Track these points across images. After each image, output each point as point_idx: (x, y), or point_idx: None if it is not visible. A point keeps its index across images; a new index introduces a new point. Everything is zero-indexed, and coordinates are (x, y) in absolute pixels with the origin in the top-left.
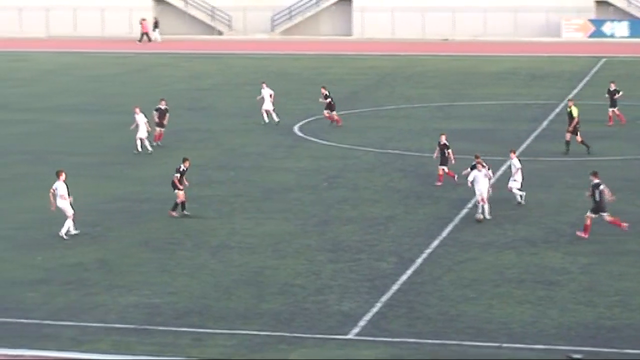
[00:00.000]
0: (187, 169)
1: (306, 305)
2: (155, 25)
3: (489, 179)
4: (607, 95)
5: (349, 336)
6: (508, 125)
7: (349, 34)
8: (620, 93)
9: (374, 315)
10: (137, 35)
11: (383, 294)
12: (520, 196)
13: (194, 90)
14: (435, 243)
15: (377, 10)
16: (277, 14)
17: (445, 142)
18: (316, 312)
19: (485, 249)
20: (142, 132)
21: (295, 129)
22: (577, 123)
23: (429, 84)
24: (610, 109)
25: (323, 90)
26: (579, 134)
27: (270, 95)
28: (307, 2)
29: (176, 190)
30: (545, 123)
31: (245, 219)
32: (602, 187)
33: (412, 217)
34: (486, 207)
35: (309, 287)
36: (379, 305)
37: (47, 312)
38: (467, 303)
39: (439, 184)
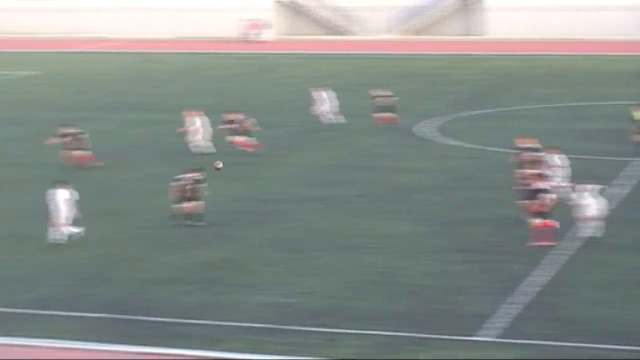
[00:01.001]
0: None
1: (436, 306)
2: (259, 26)
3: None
4: None
5: (479, 338)
6: None
7: (476, 34)
8: None
9: (504, 317)
10: (264, 37)
11: (512, 295)
12: None
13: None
14: (572, 244)
15: (503, 10)
16: (405, 13)
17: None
18: (446, 313)
19: (620, 250)
20: (200, 136)
21: (422, 129)
22: None
23: (556, 83)
24: None
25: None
26: None
27: (328, 98)
28: (433, 2)
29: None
30: None
31: (373, 219)
32: None
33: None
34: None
35: (439, 288)
36: (509, 306)
37: (178, 310)
38: (600, 305)
39: None
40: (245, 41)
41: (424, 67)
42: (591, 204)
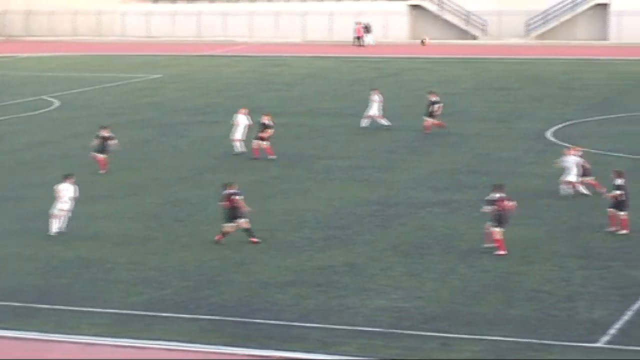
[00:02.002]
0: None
1: (555, 312)
2: (367, 29)
3: None
4: None
5: (599, 344)
6: None
7: (605, 39)
8: None
9: (624, 324)
10: (392, 40)
11: (634, 302)
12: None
13: (447, 94)
14: None
15: (634, 14)
16: (532, 18)
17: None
18: (565, 319)
19: None
20: (238, 134)
21: (548, 134)
22: None
23: None
24: None
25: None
26: None
27: (379, 101)
28: (562, 7)
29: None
30: None
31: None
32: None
33: None
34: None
35: (558, 294)
36: (630, 313)
37: (296, 313)
38: None
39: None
40: (356, 45)
41: (552, 71)
42: None
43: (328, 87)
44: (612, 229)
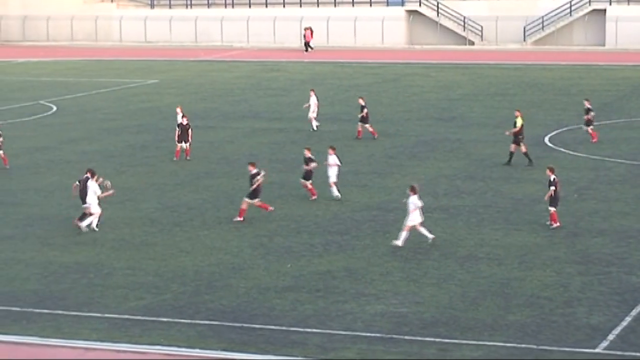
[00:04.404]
0: None
1: (554, 318)
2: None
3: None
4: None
5: (598, 350)
6: None
7: (602, 44)
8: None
9: (623, 330)
10: (389, 45)
11: (633, 307)
12: None
13: (444, 100)
14: None
15: (632, 20)
16: (529, 24)
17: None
18: (564, 325)
19: None
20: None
21: (546, 139)
22: (519, 133)
23: None
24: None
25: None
26: (522, 144)
27: (316, 104)
28: (560, 12)
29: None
30: None
31: (493, 229)
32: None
33: None
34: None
35: (557, 300)
36: (628, 319)
37: (294, 318)
38: None
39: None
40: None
41: (550, 77)
42: None
43: (325, 92)
44: (550, 224)
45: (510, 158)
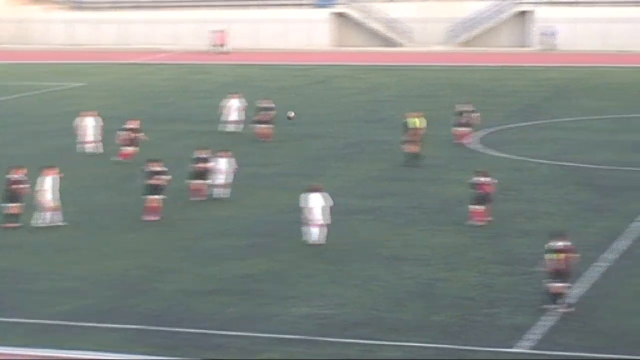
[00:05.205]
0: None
1: (477, 318)
2: (225, 38)
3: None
4: None
5: (520, 349)
6: None
7: (527, 46)
8: None
9: (546, 329)
10: (316, 47)
11: (556, 307)
12: None
13: (372, 101)
14: (611, 256)
15: (557, 22)
16: (456, 25)
17: None
18: (487, 325)
19: None
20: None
21: (473, 140)
22: (417, 134)
23: (607, 96)
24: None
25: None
26: (416, 145)
27: (238, 108)
28: (485, 14)
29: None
30: None
31: (418, 230)
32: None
33: (588, 230)
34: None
35: (481, 300)
36: (551, 318)
37: (219, 322)
38: (639, 317)
39: None
40: (210, 52)
41: (476, 78)
42: None
43: (253, 95)
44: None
45: (413, 159)
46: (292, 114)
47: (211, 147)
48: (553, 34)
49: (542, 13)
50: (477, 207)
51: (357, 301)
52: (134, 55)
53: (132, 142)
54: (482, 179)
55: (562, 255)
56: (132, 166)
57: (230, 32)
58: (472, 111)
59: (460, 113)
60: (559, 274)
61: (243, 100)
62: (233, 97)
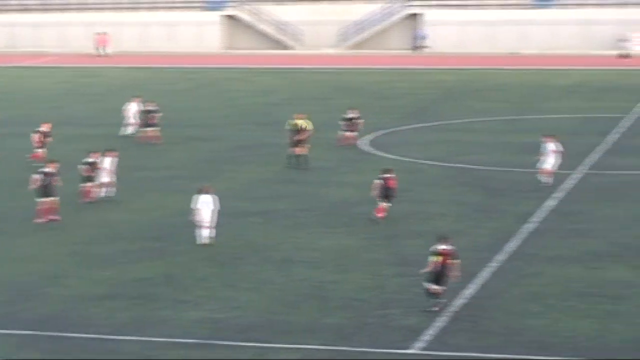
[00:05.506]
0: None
1: (370, 320)
2: (107, 41)
3: None
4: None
5: (413, 350)
6: (576, 139)
7: (419, 49)
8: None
9: (438, 330)
10: (206, 50)
11: (448, 308)
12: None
13: (263, 104)
14: (501, 257)
15: (445, 24)
16: (346, 28)
17: None
18: (380, 327)
19: (551, 262)
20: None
21: (362, 143)
22: (303, 136)
23: (497, 97)
24: None
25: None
26: (300, 145)
27: (137, 111)
28: (376, 17)
29: None
30: (613, 136)
31: (310, 233)
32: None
33: (479, 231)
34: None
35: (374, 301)
36: (443, 319)
37: (111, 327)
38: (531, 317)
39: None
40: (93, 55)
41: (367, 81)
42: None
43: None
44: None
45: (301, 161)
46: None
47: (101, 150)
48: (423, 37)
49: (431, 16)
50: (384, 203)
51: (251, 304)
52: (22, 58)
53: (42, 145)
54: (388, 175)
55: (440, 258)
56: (19, 171)
57: (119, 35)
58: (358, 117)
59: (350, 119)
60: (436, 276)
61: (141, 104)
62: (133, 101)
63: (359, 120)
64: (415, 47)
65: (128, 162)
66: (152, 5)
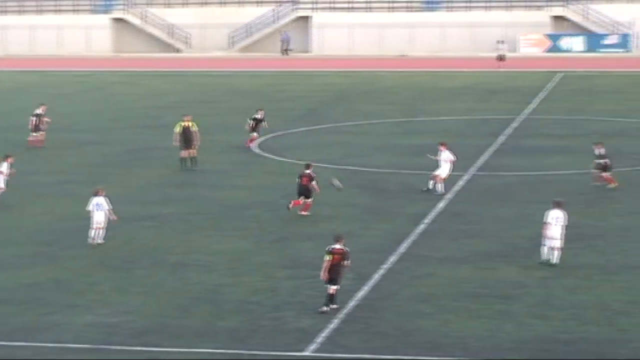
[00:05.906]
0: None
1: (263, 323)
2: None
3: None
4: None
5: (306, 353)
6: (466, 141)
7: (307, 51)
8: None
9: (331, 332)
10: (95, 53)
11: (341, 310)
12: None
13: (152, 108)
14: (392, 258)
15: (334, 27)
16: (236, 31)
17: None
18: (273, 329)
19: (442, 263)
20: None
21: (253, 146)
22: (190, 139)
23: (386, 100)
24: None
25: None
26: (191, 149)
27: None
28: (265, 20)
29: None
30: (502, 138)
31: (202, 236)
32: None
33: (370, 232)
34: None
35: (267, 304)
36: (336, 321)
37: (1, 333)
38: (423, 318)
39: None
40: None
41: (257, 83)
42: None
43: (31, 101)
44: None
45: (189, 164)
46: (337, 183)
47: None
48: (288, 40)
49: (319, 18)
50: (306, 199)
51: (143, 308)
52: None
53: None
54: (306, 171)
55: (332, 258)
56: None
57: (6, 38)
58: (262, 119)
59: (261, 120)
60: (330, 276)
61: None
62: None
63: (264, 122)
64: (283, 51)
65: (19, 167)
66: (39, 8)
